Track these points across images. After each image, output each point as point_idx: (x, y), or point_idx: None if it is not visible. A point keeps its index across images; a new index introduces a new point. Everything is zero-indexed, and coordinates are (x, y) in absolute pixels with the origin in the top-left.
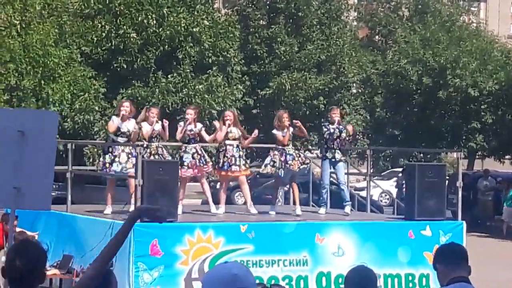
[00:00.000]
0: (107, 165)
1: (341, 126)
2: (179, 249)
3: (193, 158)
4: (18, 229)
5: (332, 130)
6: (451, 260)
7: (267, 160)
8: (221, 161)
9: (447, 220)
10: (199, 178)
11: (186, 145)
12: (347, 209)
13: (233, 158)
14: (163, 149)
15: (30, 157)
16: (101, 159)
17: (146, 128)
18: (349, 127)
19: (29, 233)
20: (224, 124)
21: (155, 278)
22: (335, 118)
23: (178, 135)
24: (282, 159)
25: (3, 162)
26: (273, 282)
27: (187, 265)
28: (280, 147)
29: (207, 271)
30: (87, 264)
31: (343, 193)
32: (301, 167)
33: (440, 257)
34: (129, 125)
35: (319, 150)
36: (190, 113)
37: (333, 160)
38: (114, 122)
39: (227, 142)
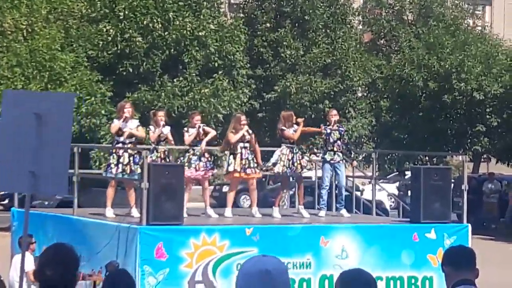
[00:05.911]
0: (112, 165)
1: (341, 128)
2: (184, 252)
3: (200, 160)
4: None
5: (328, 131)
6: (459, 262)
7: (275, 158)
8: (236, 163)
9: (452, 223)
10: (201, 182)
11: (194, 147)
12: (344, 211)
13: (247, 161)
14: (170, 154)
15: (47, 140)
16: (109, 161)
17: (154, 131)
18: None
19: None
20: (241, 128)
21: (160, 281)
22: (332, 119)
23: (188, 140)
24: (290, 157)
25: (19, 146)
26: None
27: (191, 268)
28: (289, 144)
29: (245, 261)
30: (97, 267)
31: (340, 196)
32: (304, 169)
33: (448, 259)
34: (131, 125)
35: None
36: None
37: (332, 162)
38: (115, 124)
39: (241, 145)
